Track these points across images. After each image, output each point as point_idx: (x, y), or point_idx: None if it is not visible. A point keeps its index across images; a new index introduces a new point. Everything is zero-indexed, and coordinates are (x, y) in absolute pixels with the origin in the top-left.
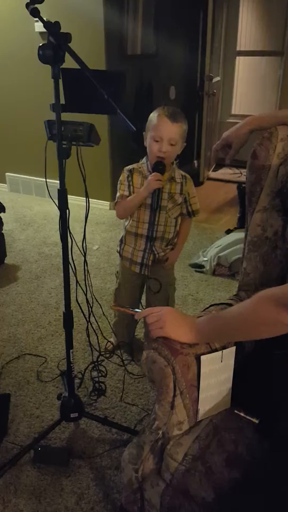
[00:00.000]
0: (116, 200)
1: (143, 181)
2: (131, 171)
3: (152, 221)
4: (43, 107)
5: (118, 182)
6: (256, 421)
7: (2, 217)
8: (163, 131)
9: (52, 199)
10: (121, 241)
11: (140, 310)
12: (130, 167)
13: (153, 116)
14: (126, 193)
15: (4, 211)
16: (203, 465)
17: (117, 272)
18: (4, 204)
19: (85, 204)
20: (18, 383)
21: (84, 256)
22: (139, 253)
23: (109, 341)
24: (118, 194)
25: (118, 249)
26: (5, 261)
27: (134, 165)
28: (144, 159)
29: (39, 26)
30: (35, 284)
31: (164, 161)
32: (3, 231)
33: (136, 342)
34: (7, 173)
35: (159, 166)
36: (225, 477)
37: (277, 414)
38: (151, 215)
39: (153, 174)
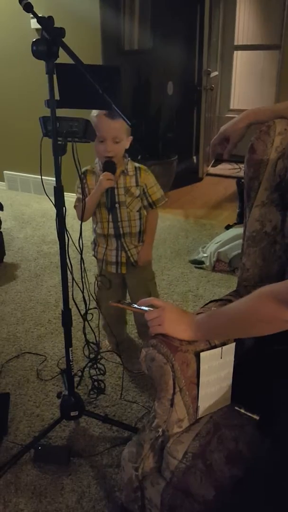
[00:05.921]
0: (74, 204)
1: (97, 181)
2: (84, 173)
3: (115, 219)
4: (41, 103)
5: (75, 186)
6: (257, 418)
7: (0, 215)
8: (104, 131)
9: (48, 197)
10: (93, 243)
11: (137, 306)
12: (83, 169)
13: (93, 116)
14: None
15: (2, 210)
16: (203, 463)
17: (97, 274)
18: (2, 202)
19: None
20: (18, 382)
21: (81, 253)
22: (112, 253)
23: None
24: (75, 197)
25: (93, 252)
26: (4, 260)
27: (88, 167)
28: (97, 159)
29: (35, 23)
30: (34, 283)
31: (113, 159)
32: (1, 230)
33: (130, 341)
34: (5, 171)
35: (109, 165)
36: (226, 474)
37: (278, 410)
38: (112, 213)
39: (103, 173)
